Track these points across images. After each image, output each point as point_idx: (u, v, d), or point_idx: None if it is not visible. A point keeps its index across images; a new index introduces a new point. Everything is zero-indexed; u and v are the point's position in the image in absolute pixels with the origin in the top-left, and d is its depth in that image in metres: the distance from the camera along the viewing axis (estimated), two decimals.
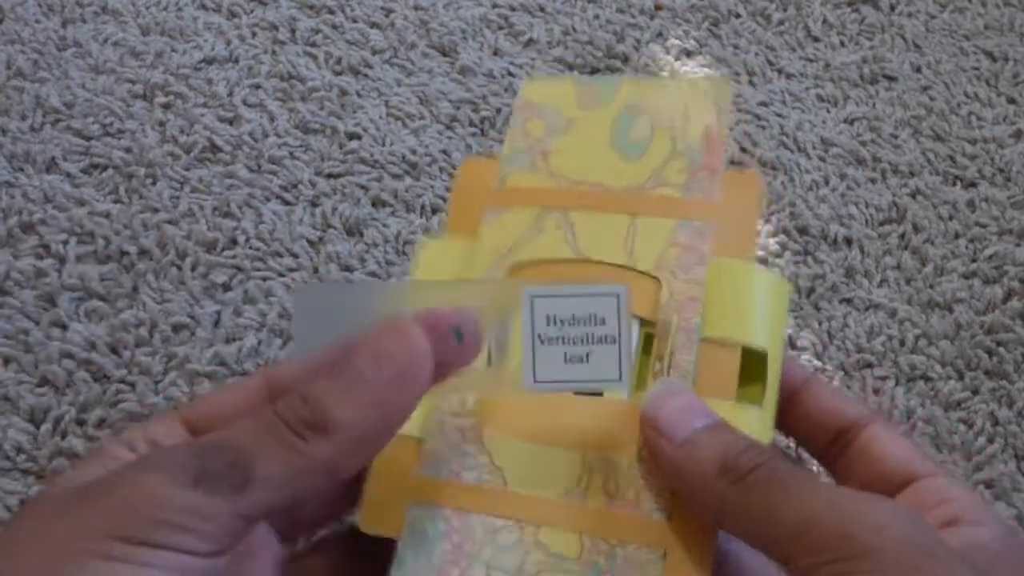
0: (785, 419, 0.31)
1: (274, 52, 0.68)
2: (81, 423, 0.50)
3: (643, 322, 0.30)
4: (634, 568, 0.27)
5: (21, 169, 0.60)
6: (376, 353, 0.24)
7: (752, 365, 0.29)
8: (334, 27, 0.70)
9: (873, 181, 0.65)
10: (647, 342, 0.30)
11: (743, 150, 0.66)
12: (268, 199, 0.60)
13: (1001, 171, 0.66)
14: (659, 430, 0.27)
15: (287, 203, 0.60)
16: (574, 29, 0.72)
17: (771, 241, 0.61)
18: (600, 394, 0.29)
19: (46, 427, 0.50)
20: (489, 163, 0.34)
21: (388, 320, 0.25)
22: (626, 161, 0.32)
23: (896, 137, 0.67)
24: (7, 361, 0.52)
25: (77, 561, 0.21)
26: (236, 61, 0.67)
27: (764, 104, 0.69)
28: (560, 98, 0.34)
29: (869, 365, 0.56)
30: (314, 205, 0.60)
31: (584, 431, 0.29)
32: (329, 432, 0.23)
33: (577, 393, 0.29)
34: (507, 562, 0.27)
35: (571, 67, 0.69)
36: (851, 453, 0.30)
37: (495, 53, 0.70)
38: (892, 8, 0.76)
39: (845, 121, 0.68)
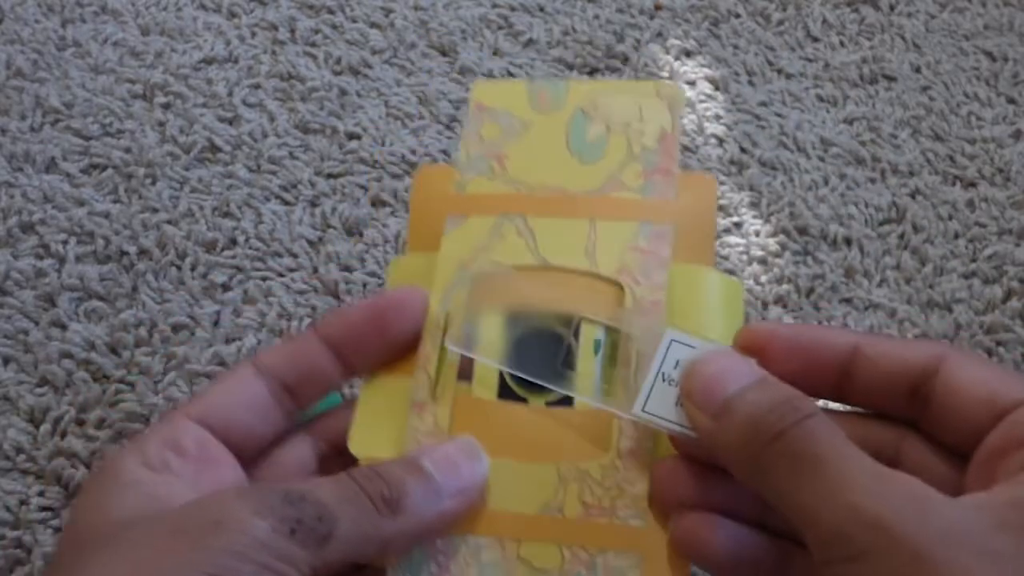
0: (851, 394, 0.28)
1: (274, 52, 0.68)
2: (81, 423, 0.50)
3: (608, 329, 0.30)
4: (614, 575, 0.27)
5: (21, 169, 0.60)
6: (449, 463, 0.28)
7: None
8: (334, 27, 0.70)
9: (873, 181, 0.65)
10: (613, 348, 0.30)
11: (743, 150, 0.66)
12: (268, 199, 0.60)
13: (1001, 171, 0.66)
14: (695, 404, 0.26)
15: (287, 203, 0.60)
16: (574, 29, 0.72)
17: (771, 241, 0.61)
18: (571, 401, 0.30)
19: (45, 427, 0.50)
20: (444, 170, 0.34)
21: (464, 440, 0.28)
22: (583, 163, 0.33)
23: (896, 137, 0.67)
24: (7, 361, 0.52)
25: None
26: (236, 61, 0.67)
27: (764, 104, 0.69)
28: (513, 101, 0.34)
29: None
30: (314, 205, 0.60)
31: (556, 444, 0.29)
32: (400, 513, 0.26)
33: (548, 403, 0.29)
34: None
35: (571, 67, 0.69)
36: (934, 404, 0.27)
37: (495, 53, 0.70)
38: (892, 8, 0.76)
39: (845, 121, 0.68)
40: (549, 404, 0.30)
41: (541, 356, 0.30)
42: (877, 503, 0.22)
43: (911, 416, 0.28)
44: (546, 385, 0.29)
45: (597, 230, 0.31)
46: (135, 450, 0.27)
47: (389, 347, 0.30)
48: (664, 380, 0.27)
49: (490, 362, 0.30)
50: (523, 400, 0.30)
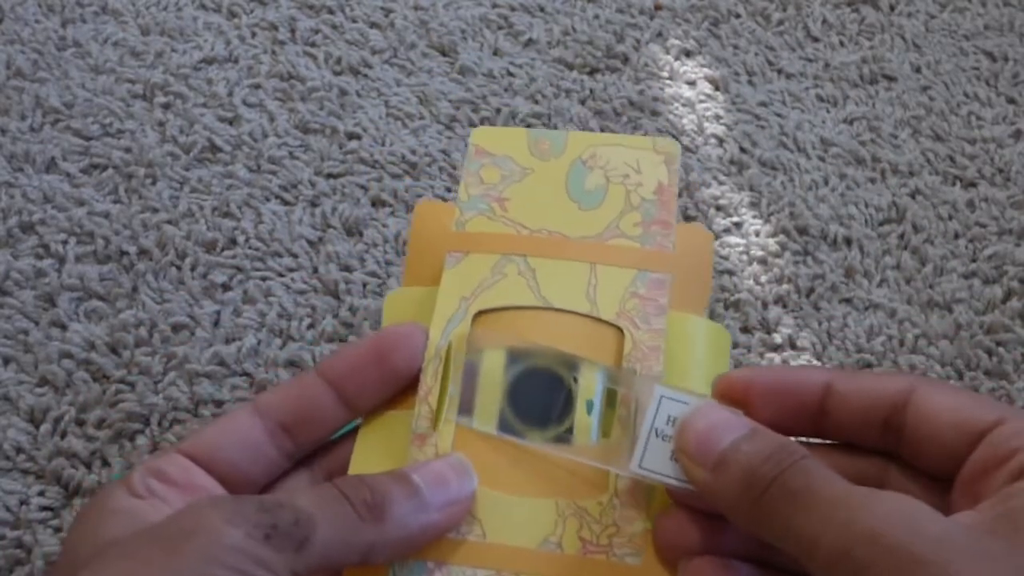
0: (829, 430, 0.29)
1: (274, 52, 0.68)
2: (81, 423, 0.50)
3: (607, 372, 0.31)
4: None
5: (21, 169, 0.60)
6: (438, 477, 0.28)
7: None
8: (334, 27, 0.70)
9: (873, 181, 0.65)
10: (611, 392, 0.31)
11: (743, 150, 0.66)
12: (268, 199, 0.60)
13: (1001, 171, 0.66)
14: (691, 458, 0.27)
15: (287, 203, 0.60)
16: (574, 29, 0.72)
17: (771, 241, 0.61)
18: (570, 435, 0.30)
19: (45, 427, 0.50)
20: (444, 207, 0.34)
21: (454, 457, 0.29)
22: (582, 211, 0.33)
23: (896, 137, 0.67)
24: (7, 361, 0.52)
25: None
26: (236, 61, 0.67)
27: (764, 104, 0.69)
28: (513, 146, 0.35)
29: (869, 365, 0.56)
30: (314, 205, 0.60)
31: (556, 480, 0.29)
32: (384, 521, 0.26)
33: (547, 440, 0.30)
34: None
35: (571, 67, 0.69)
36: (908, 434, 0.28)
37: (495, 53, 0.70)
38: (892, 8, 0.76)
39: (845, 121, 0.68)
40: (548, 441, 0.30)
41: (541, 396, 0.31)
42: (870, 518, 0.23)
43: (888, 447, 0.29)
44: (544, 433, 0.30)
45: (597, 274, 0.32)
46: (122, 483, 0.28)
47: (389, 383, 0.30)
48: (658, 436, 0.28)
49: (488, 431, 0.30)
50: (522, 436, 0.30)
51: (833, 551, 0.23)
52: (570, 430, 0.30)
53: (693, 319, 0.32)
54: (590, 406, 0.30)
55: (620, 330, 0.31)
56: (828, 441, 0.30)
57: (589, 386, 0.30)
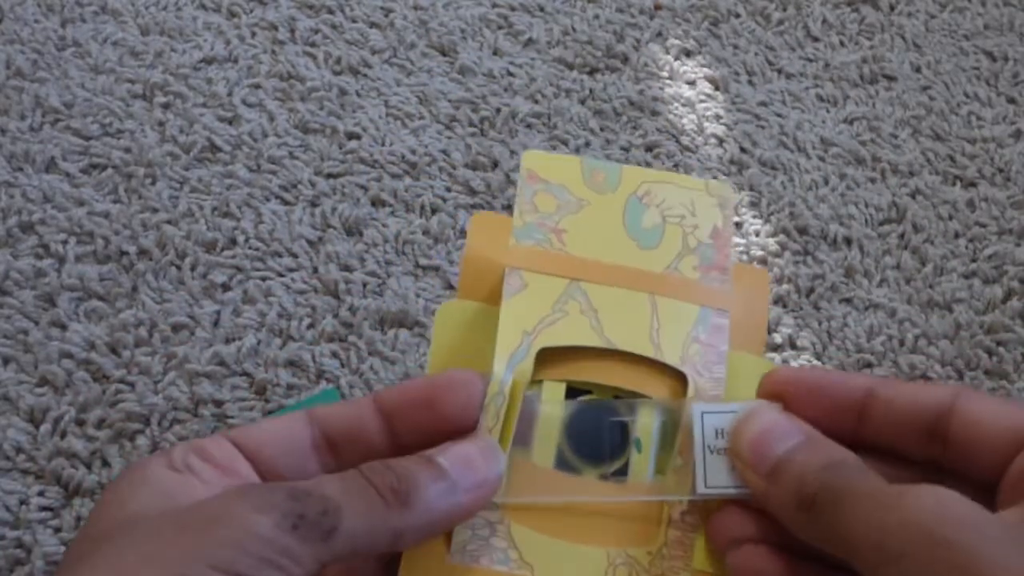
0: (866, 435, 0.29)
1: (274, 52, 0.68)
2: (80, 423, 0.50)
3: (664, 411, 0.31)
4: None
5: (20, 169, 0.60)
6: (465, 460, 0.28)
7: None
8: (334, 27, 0.70)
9: (873, 181, 0.65)
10: (669, 433, 0.31)
11: (743, 150, 0.66)
12: (268, 199, 0.60)
13: (1001, 171, 0.66)
14: (744, 462, 0.28)
15: (287, 203, 0.60)
16: (574, 29, 0.72)
17: (771, 241, 0.61)
18: (625, 472, 0.30)
19: (45, 427, 0.50)
20: (500, 219, 0.34)
21: (480, 437, 0.29)
22: (641, 249, 0.33)
23: (896, 137, 0.67)
24: (7, 361, 0.52)
25: None
26: (236, 61, 0.67)
27: (764, 104, 0.69)
28: (567, 176, 0.34)
29: (869, 365, 0.56)
30: (314, 205, 0.60)
31: (607, 527, 0.30)
32: (410, 506, 0.26)
33: (603, 475, 0.30)
34: None
35: (571, 67, 0.69)
36: (953, 440, 0.28)
37: (495, 53, 0.70)
38: (892, 8, 0.76)
39: (845, 121, 0.68)
40: (604, 476, 0.30)
41: (597, 432, 0.31)
42: (903, 509, 0.24)
43: (930, 456, 0.29)
44: (599, 469, 0.30)
45: (659, 311, 0.32)
46: (163, 454, 0.28)
47: (438, 423, 0.30)
48: (712, 452, 0.29)
49: (545, 465, 0.30)
50: (576, 471, 0.30)
51: (871, 546, 0.24)
52: (626, 467, 0.30)
53: (749, 359, 0.32)
54: (639, 445, 0.30)
55: (681, 375, 0.31)
56: (870, 448, 0.30)
57: (646, 423, 0.31)
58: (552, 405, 0.31)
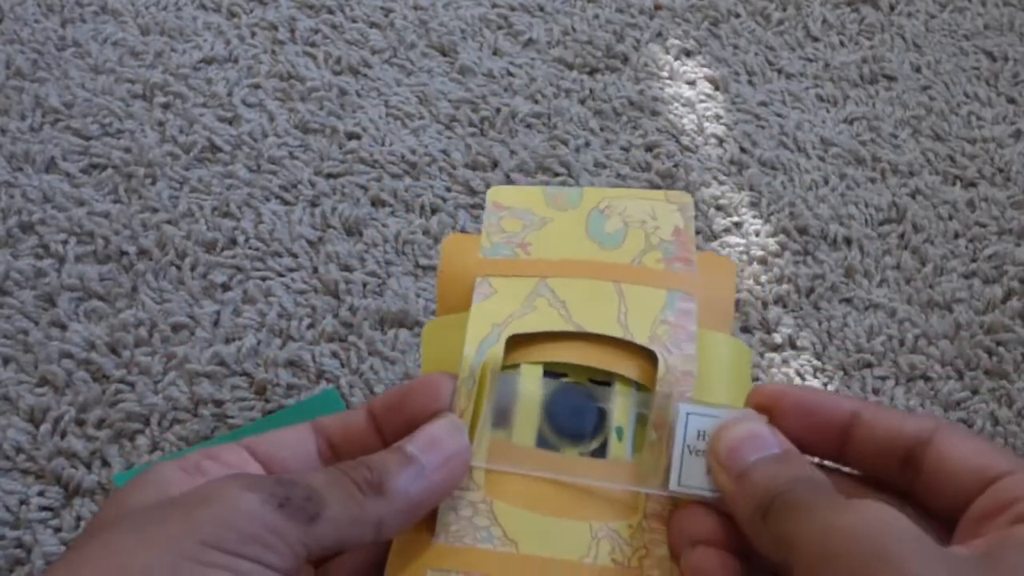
0: (847, 456, 0.30)
1: (274, 52, 0.68)
2: (81, 423, 0.50)
3: (639, 386, 0.31)
4: None
5: (20, 169, 0.60)
6: (430, 440, 0.29)
7: None
8: (334, 27, 0.70)
9: (873, 181, 0.65)
10: (643, 415, 0.32)
11: (743, 150, 0.66)
12: (268, 199, 0.60)
13: (1001, 171, 0.66)
14: (719, 462, 0.29)
15: (287, 203, 0.60)
16: (573, 29, 0.72)
17: (771, 241, 0.61)
18: (604, 451, 0.31)
19: (45, 427, 0.50)
20: (471, 238, 0.35)
21: (445, 417, 0.30)
22: (604, 249, 0.34)
23: (896, 137, 0.67)
24: (7, 361, 0.52)
25: (178, 565, 0.24)
26: (236, 61, 0.67)
27: (764, 104, 0.69)
28: (531, 201, 0.36)
29: (869, 365, 0.56)
30: (314, 205, 0.60)
31: (589, 501, 0.30)
32: (385, 495, 0.28)
33: (582, 454, 0.31)
34: None
35: (571, 67, 0.69)
36: (925, 471, 0.29)
37: (495, 53, 0.70)
38: (892, 8, 0.76)
39: (845, 121, 0.68)
40: (583, 454, 0.31)
41: (576, 412, 0.31)
42: (849, 514, 0.25)
43: (903, 483, 0.30)
44: (579, 448, 0.31)
45: (626, 298, 0.33)
46: (178, 459, 0.29)
47: (411, 422, 0.32)
48: (691, 452, 0.29)
49: (526, 444, 0.31)
50: (557, 449, 0.31)
51: (812, 548, 0.24)
52: (605, 445, 0.31)
53: (716, 335, 0.32)
54: (620, 432, 0.31)
55: (652, 354, 0.31)
56: (849, 471, 0.31)
57: (623, 408, 0.31)
58: (531, 386, 0.31)
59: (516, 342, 0.32)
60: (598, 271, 0.33)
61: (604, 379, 0.31)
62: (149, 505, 0.26)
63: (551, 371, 0.32)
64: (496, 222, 0.35)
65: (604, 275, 0.33)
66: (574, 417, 0.31)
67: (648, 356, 0.31)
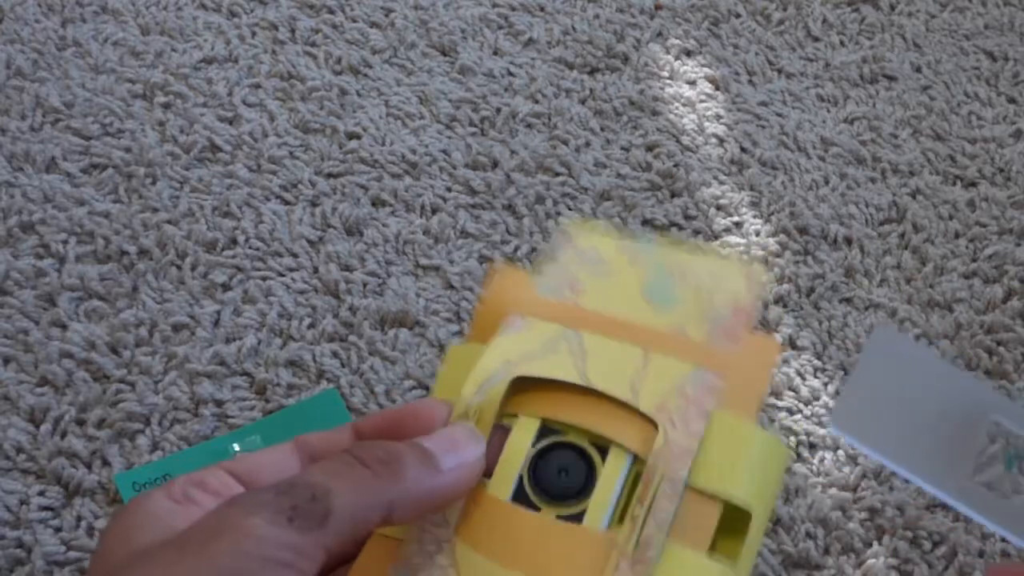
0: None
1: (274, 52, 0.68)
2: (81, 423, 0.50)
3: (635, 459, 0.30)
4: None
5: (21, 169, 0.60)
6: (450, 440, 0.29)
7: (744, 522, 0.30)
8: (334, 27, 0.70)
9: (873, 181, 0.65)
10: (635, 480, 0.30)
11: (743, 150, 0.66)
12: (268, 199, 0.60)
13: (1001, 171, 0.66)
14: None
15: (287, 203, 0.60)
16: (574, 29, 0.72)
17: (771, 241, 0.61)
18: (581, 518, 0.30)
19: (46, 427, 0.50)
20: (521, 275, 0.34)
21: (462, 423, 0.30)
22: (653, 310, 0.33)
23: (896, 137, 0.67)
24: (7, 361, 0.52)
25: None
26: (236, 61, 0.67)
27: (764, 104, 0.69)
28: (602, 245, 0.35)
29: None
30: (314, 205, 0.60)
31: (550, 561, 0.29)
32: (399, 476, 0.27)
33: (559, 516, 0.30)
34: None
35: (571, 67, 0.69)
36: None
37: (495, 53, 0.70)
38: (892, 8, 0.76)
39: (845, 121, 0.68)
40: (560, 517, 0.30)
41: (563, 473, 0.30)
42: None
43: None
44: (557, 510, 0.30)
45: (649, 363, 0.31)
46: (162, 488, 0.29)
47: None
48: None
49: (501, 497, 0.30)
50: (536, 508, 0.30)
51: None
52: (583, 513, 0.30)
53: (748, 426, 0.31)
54: (603, 502, 0.30)
55: (655, 425, 0.30)
56: None
57: (610, 477, 0.30)
58: (522, 440, 0.30)
59: (521, 387, 0.31)
60: (634, 334, 0.32)
61: (603, 443, 0.30)
62: (156, 543, 0.26)
63: (549, 426, 0.31)
64: (558, 257, 0.34)
65: (637, 339, 0.32)
66: (560, 478, 0.30)
67: (654, 426, 0.30)
